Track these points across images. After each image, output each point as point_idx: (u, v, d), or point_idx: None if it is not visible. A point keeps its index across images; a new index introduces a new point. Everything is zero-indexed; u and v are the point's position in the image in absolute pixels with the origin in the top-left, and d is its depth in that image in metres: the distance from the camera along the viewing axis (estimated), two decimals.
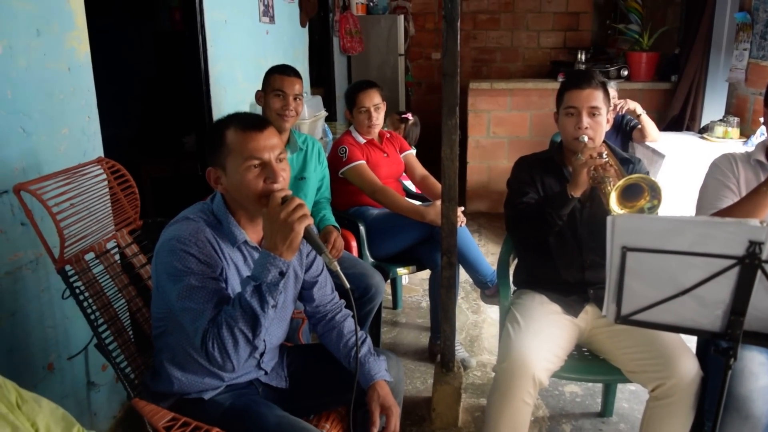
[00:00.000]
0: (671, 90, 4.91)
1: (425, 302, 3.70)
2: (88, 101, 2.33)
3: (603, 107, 2.18)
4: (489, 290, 2.95)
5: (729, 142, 3.88)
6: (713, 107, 4.55)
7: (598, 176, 2.03)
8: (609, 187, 1.94)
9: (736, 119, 3.99)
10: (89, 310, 1.79)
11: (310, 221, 1.48)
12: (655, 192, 1.89)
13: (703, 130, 4.22)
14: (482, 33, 7.37)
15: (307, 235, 1.49)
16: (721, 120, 4.07)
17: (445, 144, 2.26)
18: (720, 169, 2.15)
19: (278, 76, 2.69)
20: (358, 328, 1.76)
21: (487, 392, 2.76)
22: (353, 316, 1.86)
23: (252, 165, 1.55)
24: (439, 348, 2.95)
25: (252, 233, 1.68)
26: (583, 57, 5.88)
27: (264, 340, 1.74)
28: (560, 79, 5.25)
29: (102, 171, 2.02)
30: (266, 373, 1.81)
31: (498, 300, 2.96)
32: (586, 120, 2.16)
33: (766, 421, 1.72)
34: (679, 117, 4.72)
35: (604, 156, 2.05)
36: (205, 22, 3.29)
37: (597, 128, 2.18)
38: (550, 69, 6.61)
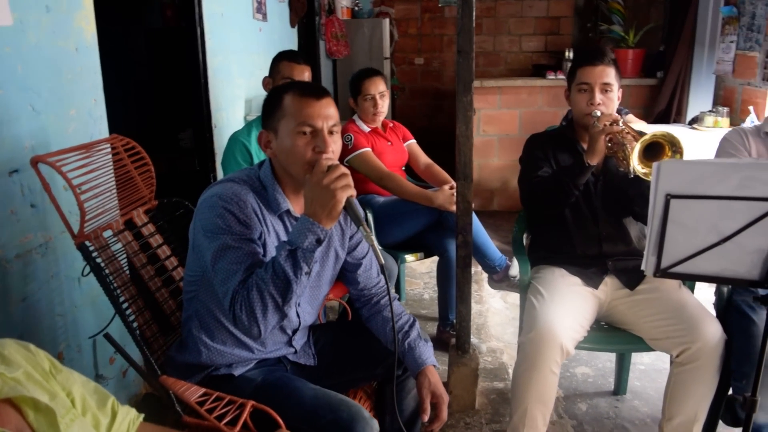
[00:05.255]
0: (657, 86, 4.99)
1: (427, 294, 3.68)
2: (94, 83, 2.29)
3: (615, 83, 2.22)
4: (497, 275, 2.94)
5: (720, 131, 3.95)
6: (700, 100, 4.63)
7: (617, 141, 2.05)
8: (629, 149, 1.95)
9: (726, 109, 4.07)
10: (112, 287, 1.73)
11: (352, 192, 1.45)
12: (675, 147, 1.90)
13: (693, 122, 4.29)
14: None
15: (348, 205, 1.45)
16: (710, 111, 4.15)
17: (460, 121, 2.25)
18: (731, 143, 2.18)
19: (287, 62, 2.62)
20: (405, 312, 1.82)
21: (501, 376, 2.76)
22: (387, 290, 1.84)
23: (303, 131, 1.52)
24: (449, 334, 2.93)
25: (296, 204, 1.64)
26: (571, 56, 5.92)
27: (298, 316, 1.71)
28: (549, 77, 5.31)
29: (116, 149, 1.97)
30: (296, 351, 1.78)
31: (506, 285, 2.98)
32: (598, 96, 2.19)
33: None
34: (665, 111, 4.81)
35: (620, 124, 2.07)
36: (203, 13, 3.26)
37: (609, 104, 2.21)
38: (532, 72, 6.66)
